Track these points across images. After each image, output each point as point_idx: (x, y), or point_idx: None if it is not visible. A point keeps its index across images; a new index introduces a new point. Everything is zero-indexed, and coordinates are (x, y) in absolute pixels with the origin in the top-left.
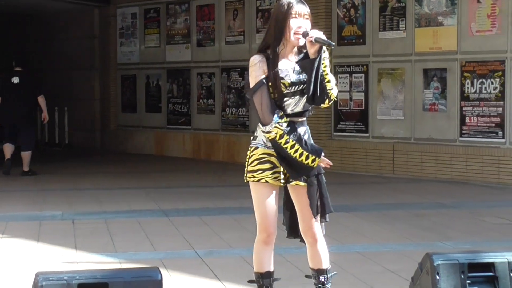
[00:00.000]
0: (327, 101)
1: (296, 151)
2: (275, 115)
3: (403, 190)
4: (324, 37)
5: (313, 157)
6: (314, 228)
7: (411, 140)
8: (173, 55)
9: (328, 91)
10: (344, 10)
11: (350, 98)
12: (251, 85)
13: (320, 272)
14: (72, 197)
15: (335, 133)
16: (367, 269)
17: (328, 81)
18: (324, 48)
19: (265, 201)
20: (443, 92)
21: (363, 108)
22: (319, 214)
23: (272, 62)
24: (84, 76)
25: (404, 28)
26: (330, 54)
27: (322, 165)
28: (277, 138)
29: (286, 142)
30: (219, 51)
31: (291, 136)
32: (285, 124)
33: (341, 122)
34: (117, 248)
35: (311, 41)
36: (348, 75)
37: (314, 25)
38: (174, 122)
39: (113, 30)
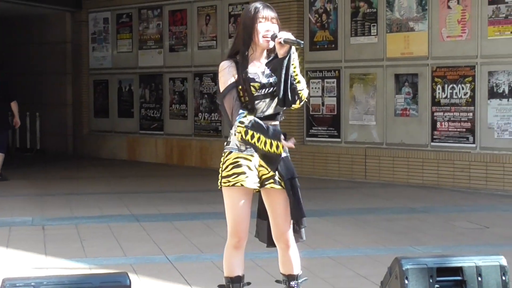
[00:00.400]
0: (298, 101)
1: (262, 142)
2: (238, 116)
3: (375, 195)
4: (292, 37)
5: (276, 142)
6: (287, 234)
7: (383, 145)
8: (146, 60)
9: (299, 91)
10: (316, 15)
11: (322, 103)
12: (221, 90)
13: (290, 277)
14: (43, 202)
15: (307, 138)
16: (338, 273)
17: (298, 82)
18: (293, 49)
19: (238, 206)
20: (415, 97)
21: (335, 113)
22: (292, 220)
23: (241, 66)
24: (56, 81)
25: (375, 34)
26: (302, 59)
27: (289, 144)
28: (243, 135)
29: (252, 137)
30: (192, 56)
31: (254, 129)
32: (247, 121)
33: (313, 127)
34: (88, 254)
35: (280, 42)
36: (320, 80)
37: (287, 30)
38: (147, 127)
39: (85, 35)
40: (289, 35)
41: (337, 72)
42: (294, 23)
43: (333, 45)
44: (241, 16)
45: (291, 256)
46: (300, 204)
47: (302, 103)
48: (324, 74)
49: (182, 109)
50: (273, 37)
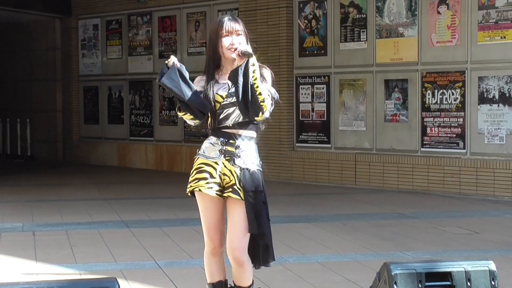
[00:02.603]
0: (260, 113)
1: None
2: None
3: (365, 200)
4: (249, 50)
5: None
6: (239, 250)
7: (373, 151)
8: (135, 67)
9: (261, 103)
10: (306, 21)
11: (312, 109)
12: None
13: None
14: (33, 208)
15: (297, 144)
16: (327, 279)
17: (260, 94)
18: (253, 60)
19: (207, 212)
20: (404, 103)
21: (325, 119)
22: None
23: (210, 78)
24: (46, 88)
25: (365, 39)
26: (291, 65)
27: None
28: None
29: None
30: (181, 63)
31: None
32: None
33: (303, 133)
34: (78, 259)
35: (239, 54)
36: (309, 86)
37: (276, 36)
38: (137, 133)
39: (75, 42)
40: (247, 48)
41: (326, 78)
42: (284, 29)
43: (322, 51)
44: (208, 31)
45: (242, 273)
46: (261, 218)
47: (265, 115)
48: (314, 80)
49: (172, 115)
50: (246, 53)
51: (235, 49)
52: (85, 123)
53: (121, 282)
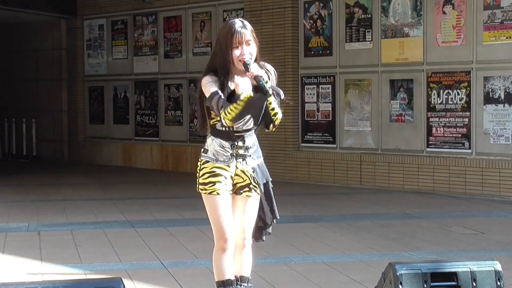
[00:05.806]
0: (271, 126)
1: (238, 105)
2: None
3: (370, 200)
4: (262, 80)
5: (244, 93)
6: (248, 233)
7: (378, 151)
8: (141, 67)
9: (273, 117)
10: (311, 21)
11: (318, 109)
12: (208, 95)
13: (242, 279)
14: (38, 208)
15: (302, 144)
16: (332, 279)
17: (273, 109)
18: (266, 76)
19: (218, 210)
20: (410, 103)
21: (330, 119)
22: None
23: (222, 85)
24: (51, 88)
25: (370, 39)
26: (297, 66)
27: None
28: (229, 115)
29: (234, 108)
30: (187, 63)
31: (232, 104)
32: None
33: (309, 133)
34: (83, 259)
35: (253, 78)
36: (315, 86)
37: (282, 36)
38: (142, 133)
39: (80, 42)
40: (262, 73)
41: (332, 78)
42: (289, 29)
43: (328, 51)
44: (219, 35)
45: (243, 257)
46: (274, 206)
47: (275, 127)
48: (319, 80)
49: (177, 115)
50: (246, 67)
51: (245, 65)
52: (90, 123)
53: (126, 282)
